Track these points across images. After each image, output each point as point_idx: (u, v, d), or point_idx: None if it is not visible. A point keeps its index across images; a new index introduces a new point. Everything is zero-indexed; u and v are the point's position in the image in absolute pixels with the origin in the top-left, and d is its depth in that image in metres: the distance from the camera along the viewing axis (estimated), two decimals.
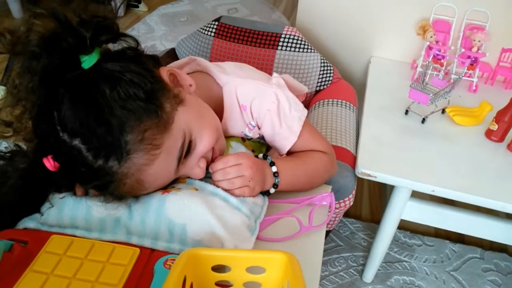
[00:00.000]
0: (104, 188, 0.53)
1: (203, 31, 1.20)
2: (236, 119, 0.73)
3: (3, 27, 0.49)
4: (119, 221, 0.56)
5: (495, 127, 1.02)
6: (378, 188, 1.50)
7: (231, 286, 0.52)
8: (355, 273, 1.20)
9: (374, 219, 1.38)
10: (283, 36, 1.15)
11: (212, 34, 1.18)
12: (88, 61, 0.50)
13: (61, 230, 0.57)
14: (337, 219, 1.00)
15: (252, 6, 2.84)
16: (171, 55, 1.26)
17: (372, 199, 1.46)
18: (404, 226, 1.34)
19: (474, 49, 1.22)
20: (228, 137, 0.74)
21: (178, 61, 0.77)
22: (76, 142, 0.49)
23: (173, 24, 2.55)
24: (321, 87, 1.18)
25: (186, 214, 0.56)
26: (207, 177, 0.64)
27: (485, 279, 1.21)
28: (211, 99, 0.69)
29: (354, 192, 0.93)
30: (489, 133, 1.04)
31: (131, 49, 0.55)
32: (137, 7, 2.68)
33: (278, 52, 1.15)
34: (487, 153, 1.00)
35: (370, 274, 1.16)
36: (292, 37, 1.15)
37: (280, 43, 1.15)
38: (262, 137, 0.77)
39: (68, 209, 0.57)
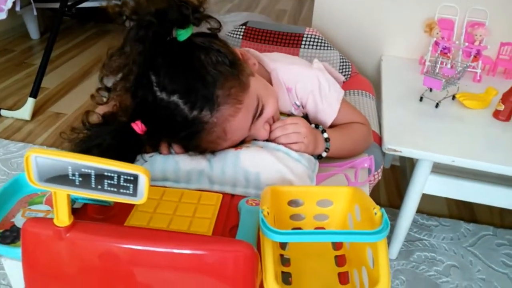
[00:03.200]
0: (194, 136, 0.63)
1: (232, 35, 1.32)
2: (283, 99, 0.84)
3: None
4: (203, 173, 0.66)
5: (501, 107, 1.14)
6: (393, 177, 1.60)
7: (303, 219, 0.62)
8: None
9: (392, 205, 1.48)
10: (305, 36, 1.28)
11: (241, 36, 1.30)
12: (184, 34, 0.61)
13: (153, 183, 0.67)
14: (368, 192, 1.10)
15: None
16: None
17: (388, 187, 1.56)
18: (421, 210, 1.44)
19: (476, 43, 1.35)
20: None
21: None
22: (174, 97, 0.60)
23: None
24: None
25: (258, 163, 0.66)
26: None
27: (500, 252, 1.31)
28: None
29: (382, 167, 1.03)
30: (496, 114, 1.16)
31: (213, 29, 0.66)
32: None
33: (301, 50, 1.27)
34: (496, 130, 1.11)
35: (394, 250, 1.25)
36: (313, 36, 1.27)
37: (303, 42, 1.27)
38: (305, 115, 0.88)
39: (159, 164, 0.67)
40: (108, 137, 0.66)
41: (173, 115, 0.61)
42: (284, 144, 0.72)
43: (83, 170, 0.39)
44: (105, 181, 0.39)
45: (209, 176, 0.66)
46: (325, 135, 0.77)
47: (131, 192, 0.40)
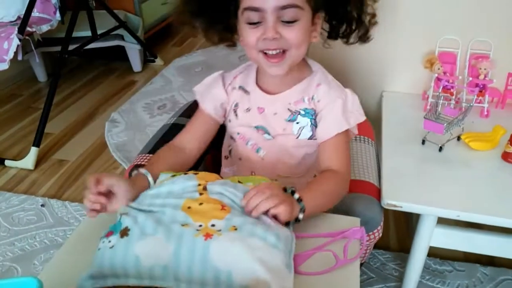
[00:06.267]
0: None
1: None
2: (304, 88, 0.89)
3: None
4: (167, 268, 0.61)
5: (510, 149, 1.06)
6: (403, 217, 1.52)
7: None
8: None
9: (403, 248, 1.40)
10: None
11: None
12: None
13: (116, 281, 0.62)
14: (368, 251, 1.03)
15: None
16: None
17: (399, 229, 1.48)
18: (433, 253, 1.35)
19: (481, 76, 1.28)
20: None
21: None
22: None
23: (189, 74, 2.67)
24: None
25: (230, 260, 0.60)
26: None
27: None
28: (300, 65, 0.90)
29: (382, 223, 0.96)
30: (505, 156, 1.08)
31: None
32: (154, 61, 2.83)
33: None
34: (506, 175, 1.04)
35: None
36: None
37: None
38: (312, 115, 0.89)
39: (119, 259, 0.61)
40: None
41: None
42: (268, 210, 0.67)
43: None
44: None
45: (175, 273, 0.61)
46: (296, 195, 0.73)
47: None
